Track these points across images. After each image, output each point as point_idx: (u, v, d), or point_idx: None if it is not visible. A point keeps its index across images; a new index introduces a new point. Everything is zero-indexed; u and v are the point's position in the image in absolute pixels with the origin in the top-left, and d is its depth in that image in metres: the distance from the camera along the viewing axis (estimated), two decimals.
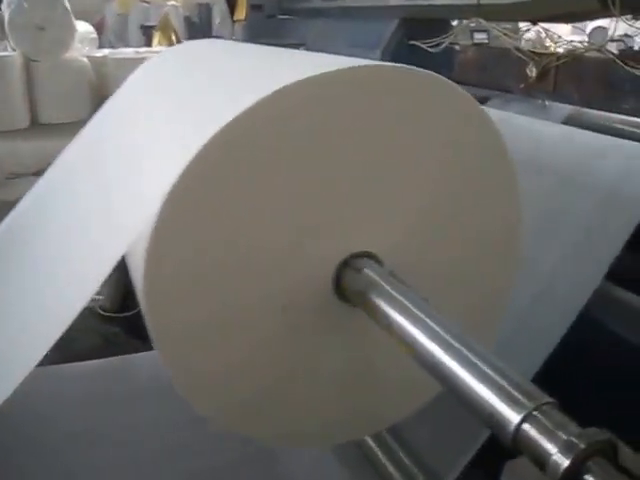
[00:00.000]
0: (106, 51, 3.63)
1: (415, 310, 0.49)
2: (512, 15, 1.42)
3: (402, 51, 1.72)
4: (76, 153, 0.85)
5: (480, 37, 1.78)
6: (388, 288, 0.53)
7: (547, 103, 1.44)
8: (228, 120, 0.48)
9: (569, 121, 1.42)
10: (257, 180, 0.51)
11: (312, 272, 0.55)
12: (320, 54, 0.74)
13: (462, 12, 1.51)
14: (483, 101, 1.63)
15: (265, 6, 2.27)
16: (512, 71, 1.43)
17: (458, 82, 1.76)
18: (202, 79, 0.71)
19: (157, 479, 0.88)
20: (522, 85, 1.41)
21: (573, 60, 1.29)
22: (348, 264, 0.56)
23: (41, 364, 1.13)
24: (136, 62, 3.28)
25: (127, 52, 3.73)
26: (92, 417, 1.02)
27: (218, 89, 0.63)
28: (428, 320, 0.48)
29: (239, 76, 0.65)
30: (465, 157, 0.60)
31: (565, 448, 0.35)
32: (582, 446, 0.35)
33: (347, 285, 0.56)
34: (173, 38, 3.64)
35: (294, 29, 2.18)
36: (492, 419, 0.39)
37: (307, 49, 2.09)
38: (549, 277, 0.90)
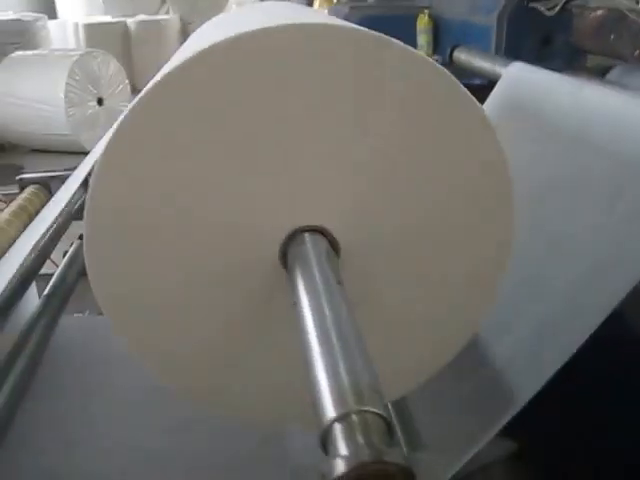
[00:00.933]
0: None
1: (318, 291, 0.47)
2: None
3: (520, 13, 1.61)
4: None
5: None
6: (308, 267, 0.51)
7: None
8: (163, 77, 0.49)
9: None
10: (194, 141, 0.51)
11: (259, 243, 0.55)
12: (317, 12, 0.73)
13: None
14: (604, 72, 1.49)
15: None
16: (627, 36, 1.28)
17: (575, 49, 1.62)
18: (204, 36, 0.73)
19: None
20: (637, 52, 1.26)
21: None
22: (293, 238, 0.54)
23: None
24: None
25: None
26: None
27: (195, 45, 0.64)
28: (323, 302, 0.46)
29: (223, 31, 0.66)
30: (424, 115, 0.55)
31: (351, 456, 0.32)
32: (367, 459, 0.31)
33: (288, 260, 0.55)
34: (334, 0, 3.66)
35: None
36: (316, 408, 0.38)
37: (432, 12, 2.03)
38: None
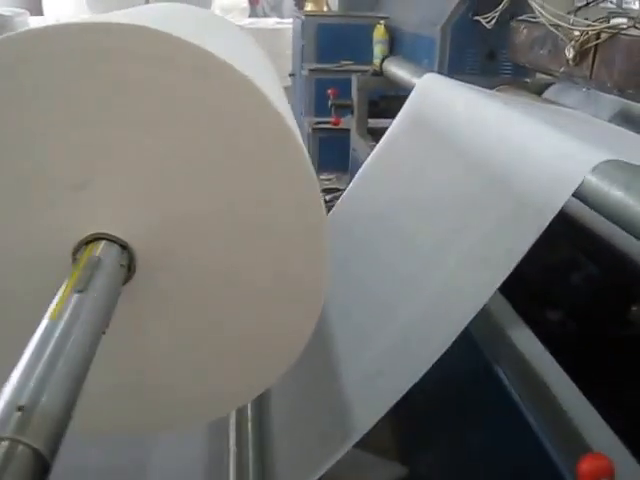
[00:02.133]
0: (247, 21, 3.76)
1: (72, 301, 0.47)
2: None
3: (463, 26, 1.57)
4: None
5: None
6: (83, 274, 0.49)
7: (591, 92, 1.24)
8: None
9: (617, 117, 1.21)
10: None
11: (55, 244, 0.54)
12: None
13: None
14: (542, 89, 1.45)
15: None
16: (554, 52, 1.24)
17: (511, 63, 1.56)
18: None
19: None
20: (562, 69, 1.22)
21: (611, 40, 1.09)
22: (85, 244, 0.53)
23: None
24: (273, 32, 3.35)
25: (268, 22, 3.84)
26: None
27: None
28: (65, 316, 0.45)
29: None
30: (231, 131, 0.52)
31: None
32: None
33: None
34: (325, 7, 3.64)
35: (382, 3, 2.08)
36: None
37: (389, 23, 2.00)
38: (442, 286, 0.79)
